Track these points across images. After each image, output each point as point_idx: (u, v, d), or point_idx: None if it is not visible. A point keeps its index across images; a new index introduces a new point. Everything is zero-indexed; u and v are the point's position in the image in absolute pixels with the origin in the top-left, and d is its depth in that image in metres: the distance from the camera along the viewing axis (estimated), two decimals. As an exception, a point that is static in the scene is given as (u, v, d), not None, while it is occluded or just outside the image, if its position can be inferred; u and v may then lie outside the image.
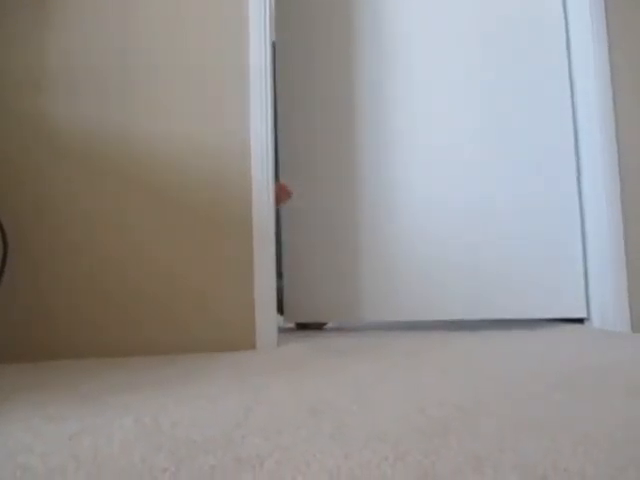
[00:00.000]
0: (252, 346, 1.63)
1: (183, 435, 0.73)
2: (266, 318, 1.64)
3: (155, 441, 0.70)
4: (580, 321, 1.99)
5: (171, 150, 1.67)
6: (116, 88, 1.67)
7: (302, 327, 2.15)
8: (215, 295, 1.65)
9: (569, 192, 1.97)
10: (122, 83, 1.67)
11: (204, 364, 1.37)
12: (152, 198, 1.66)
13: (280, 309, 2.02)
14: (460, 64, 2.02)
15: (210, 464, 0.60)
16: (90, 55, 1.66)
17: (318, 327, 2.13)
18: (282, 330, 2.06)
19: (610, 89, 1.88)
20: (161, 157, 1.67)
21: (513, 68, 2.01)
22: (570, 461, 0.57)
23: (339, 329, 2.12)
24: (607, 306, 1.85)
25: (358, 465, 0.58)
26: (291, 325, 2.23)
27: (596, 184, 1.89)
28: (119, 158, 1.65)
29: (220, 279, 1.65)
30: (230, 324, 1.64)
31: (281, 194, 1.97)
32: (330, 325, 2.25)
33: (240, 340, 1.64)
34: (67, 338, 1.58)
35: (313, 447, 0.65)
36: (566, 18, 2.01)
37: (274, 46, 2.17)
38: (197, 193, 1.68)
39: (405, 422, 0.75)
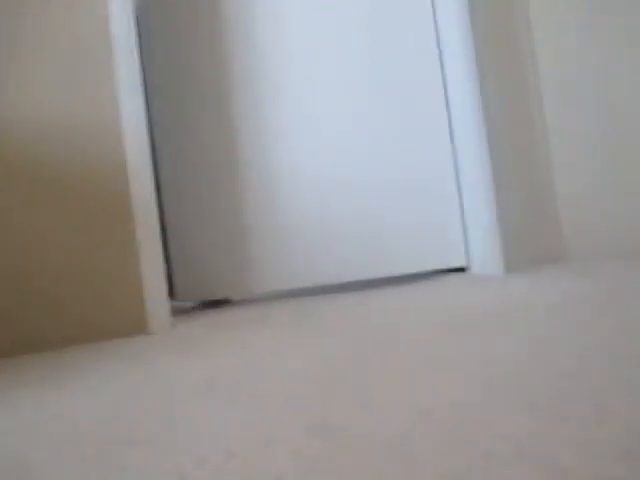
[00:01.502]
0: (145, 330, 1.58)
1: (64, 428, 0.68)
2: (156, 300, 1.58)
3: (32, 435, 0.66)
4: (462, 270, 2.13)
5: (40, 123, 1.54)
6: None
7: (209, 305, 2.10)
8: (99, 280, 1.56)
9: (440, 129, 2.07)
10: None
11: (94, 355, 1.30)
12: (18, 177, 1.52)
13: (170, 291, 1.96)
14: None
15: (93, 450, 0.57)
16: None
17: (224, 303, 2.10)
18: (178, 310, 2.00)
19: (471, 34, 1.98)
20: (30, 129, 1.53)
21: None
22: (455, 394, 0.61)
23: (240, 303, 2.10)
24: (484, 252, 1.99)
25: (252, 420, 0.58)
26: (189, 304, 2.18)
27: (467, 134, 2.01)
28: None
29: (103, 262, 1.57)
30: (119, 309, 1.57)
31: None
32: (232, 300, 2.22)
33: (131, 325, 1.57)
34: None
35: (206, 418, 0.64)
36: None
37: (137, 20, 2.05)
38: (68, 169, 1.56)
39: (295, 381, 0.76)
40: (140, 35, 2.13)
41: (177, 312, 2.08)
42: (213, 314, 1.84)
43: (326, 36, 2.03)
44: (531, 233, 2.09)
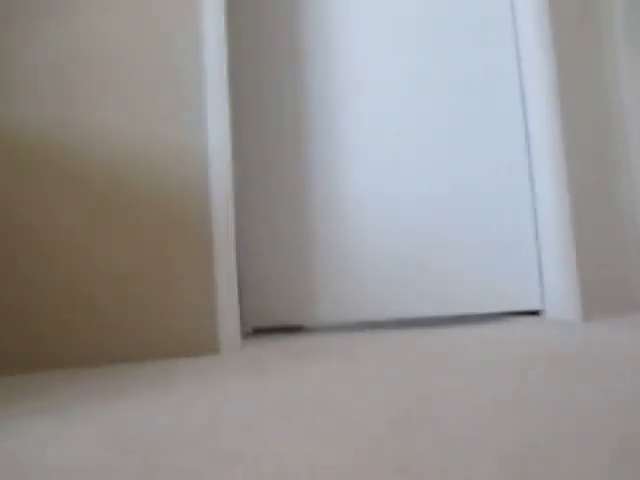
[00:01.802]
0: (216, 350, 1.62)
1: (153, 439, 0.71)
2: (229, 321, 1.63)
3: (124, 446, 0.69)
4: (536, 313, 2.06)
5: (122, 145, 1.64)
6: (56, 86, 1.62)
7: (277, 331, 2.13)
8: (176, 299, 1.62)
9: (521, 182, 2.04)
10: (63, 81, 1.63)
11: (169, 370, 1.35)
12: (104, 198, 1.62)
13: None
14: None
15: (186, 463, 0.59)
16: (27, 54, 1.62)
17: (292, 330, 2.12)
18: (243, 334, 2.04)
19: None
20: (116, 155, 1.63)
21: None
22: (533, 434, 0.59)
23: (308, 331, 2.12)
24: (561, 297, 1.92)
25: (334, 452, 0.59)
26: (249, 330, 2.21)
27: (545, 174, 1.96)
28: (57, 154, 1.60)
29: (181, 281, 1.63)
30: (193, 328, 1.62)
31: None
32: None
33: (203, 344, 1.61)
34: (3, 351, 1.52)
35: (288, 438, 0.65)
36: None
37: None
38: (152, 192, 1.65)
39: (369, 412, 0.76)
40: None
41: (245, 336, 2.12)
42: (281, 339, 1.87)
43: (405, 70, 2.06)
44: (612, 280, 2.00)
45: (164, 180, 1.66)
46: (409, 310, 1.95)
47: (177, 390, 1.05)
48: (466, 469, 0.52)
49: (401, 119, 2.05)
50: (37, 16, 1.63)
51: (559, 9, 2.03)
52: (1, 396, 1.12)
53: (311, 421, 0.74)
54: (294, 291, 1.98)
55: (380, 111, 2.05)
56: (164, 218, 1.65)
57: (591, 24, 2.10)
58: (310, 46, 2.10)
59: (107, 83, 1.65)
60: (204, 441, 0.68)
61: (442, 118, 2.05)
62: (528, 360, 1.13)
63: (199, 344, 1.61)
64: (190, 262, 1.64)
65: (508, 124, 2.06)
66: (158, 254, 1.63)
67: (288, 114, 2.08)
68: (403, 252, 1.98)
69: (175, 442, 0.68)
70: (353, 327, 2.06)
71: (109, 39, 1.67)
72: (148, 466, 0.59)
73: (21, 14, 1.62)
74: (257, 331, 2.13)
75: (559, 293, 1.92)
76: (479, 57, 2.08)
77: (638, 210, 2.05)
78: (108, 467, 0.60)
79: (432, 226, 2.00)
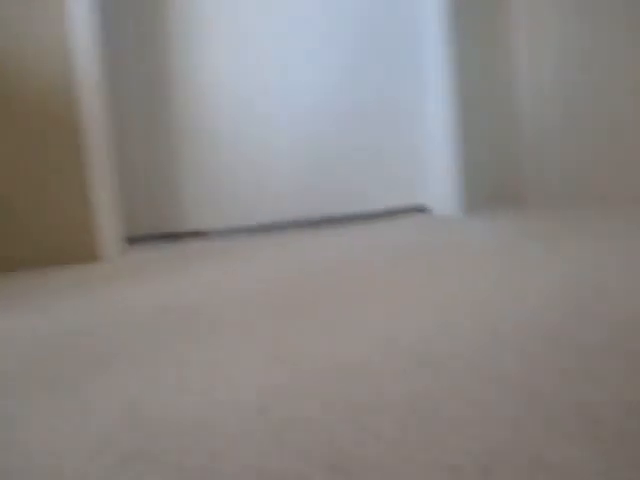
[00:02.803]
0: (96, 258, 1.52)
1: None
2: (108, 225, 1.52)
3: None
4: (422, 210, 2.13)
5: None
6: None
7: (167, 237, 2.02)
8: (51, 205, 1.48)
9: (410, 88, 2.02)
10: None
11: (43, 278, 1.25)
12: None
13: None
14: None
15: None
16: None
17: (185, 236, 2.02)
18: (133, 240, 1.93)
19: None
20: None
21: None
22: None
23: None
24: (444, 195, 1.99)
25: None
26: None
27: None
28: None
29: (52, 184, 1.48)
30: (70, 236, 1.50)
31: None
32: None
33: (82, 252, 1.51)
34: None
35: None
36: None
37: None
38: (16, 85, 1.44)
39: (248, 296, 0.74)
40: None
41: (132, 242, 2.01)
42: (169, 246, 1.79)
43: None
44: (492, 177, 2.09)
45: (27, 81, 1.45)
46: (308, 210, 1.92)
47: (49, 298, 0.97)
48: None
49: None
50: None
51: None
52: None
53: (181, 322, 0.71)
54: (188, 194, 1.87)
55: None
56: (34, 117, 1.46)
57: None
58: None
59: None
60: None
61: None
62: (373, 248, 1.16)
63: (78, 252, 1.51)
64: (63, 164, 1.49)
65: (403, 42, 2.00)
66: (29, 159, 1.46)
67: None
68: (305, 158, 1.93)
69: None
70: (255, 230, 2.00)
71: None
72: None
73: None
74: (151, 238, 2.01)
75: (442, 191, 1.99)
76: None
77: (521, 112, 2.13)
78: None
79: (329, 132, 1.95)
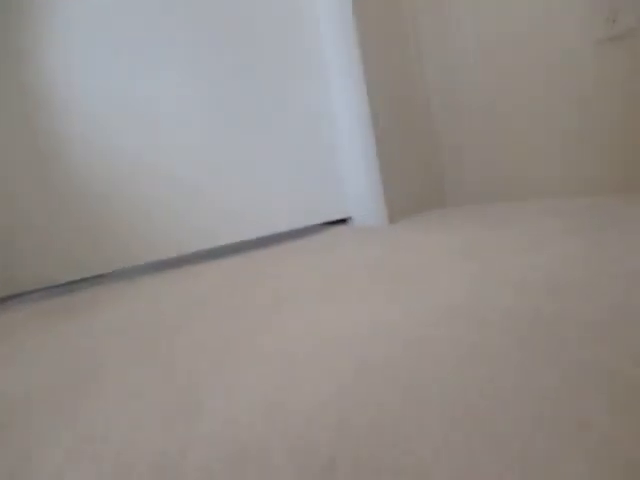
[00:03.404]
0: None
1: None
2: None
3: None
4: (344, 222, 1.98)
5: None
6: None
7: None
8: None
9: (322, 98, 1.86)
10: None
11: None
12: None
13: None
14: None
15: None
16: None
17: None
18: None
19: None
20: None
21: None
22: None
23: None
24: (365, 203, 1.84)
25: None
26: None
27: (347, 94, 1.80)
28: None
29: None
30: None
31: None
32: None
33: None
34: None
35: None
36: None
37: None
38: None
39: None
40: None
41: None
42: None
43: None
44: (416, 182, 1.96)
45: None
46: (213, 241, 1.73)
47: None
48: None
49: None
50: None
51: None
52: None
53: None
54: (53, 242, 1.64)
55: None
56: None
57: None
58: None
59: None
60: None
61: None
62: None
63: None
64: None
65: (307, 47, 1.84)
66: None
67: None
68: (189, 180, 1.73)
69: None
70: (143, 271, 1.79)
71: None
72: None
73: None
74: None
75: (363, 200, 1.84)
76: None
77: (435, 116, 2.01)
78: None
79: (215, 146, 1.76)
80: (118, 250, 1.62)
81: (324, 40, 1.86)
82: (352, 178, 1.87)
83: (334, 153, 1.88)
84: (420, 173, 1.99)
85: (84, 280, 1.84)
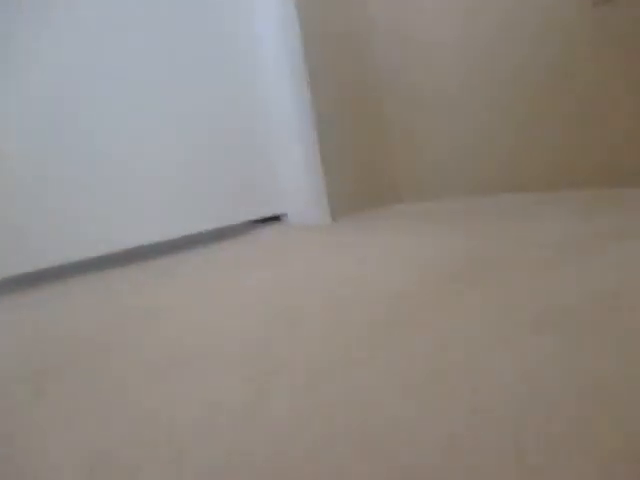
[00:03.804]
0: None
1: None
2: None
3: None
4: (277, 219, 1.73)
5: None
6: None
7: None
8: None
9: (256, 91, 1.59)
10: None
11: None
12: None
13: None
14: None
15: None
16: None
17: None
18: None
19: None
20: None
21: None
22: None
23: None
24: (303, 197, 1.60)
25: None
26: None
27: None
28: None
29: None
30: None
31: None
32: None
33: None
34: None
35: None
36: None
37: None
38: None
39: None
40: None
41: None
42: None
43: None
44: (364, 175, 1.74)
45: None
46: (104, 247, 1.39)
47: None
48: None
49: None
50: None
51: None
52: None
53: None
54: None
55: None
56: None
57: None
58: None
59: None
60: None
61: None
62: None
63: None
64: None
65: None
66: None
67: None
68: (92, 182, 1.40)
69: None
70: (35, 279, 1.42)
71: None
72: None
73: None
74: None
75: (300, 195, 1.60)
76: None
77: (387, 102, 1.79)
78: None
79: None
80: None
81: (260, 22, 1.59)
82: (288, 168, 1.62)
83: (267, 140, 1.62)
84: (371, 165, 1.77)
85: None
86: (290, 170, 1.61)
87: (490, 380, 0.39)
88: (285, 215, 1.68)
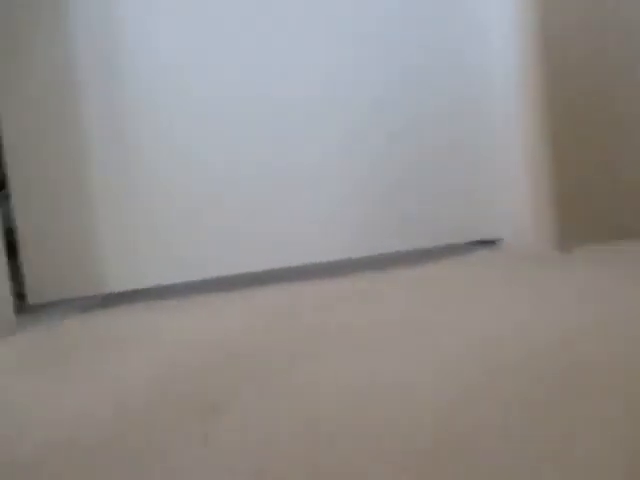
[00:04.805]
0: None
1: None
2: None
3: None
4: (492, 243, 1.46)
5: None
6: None
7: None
8: None
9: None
10: None
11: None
12: None
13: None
14: None
15: None
16: None
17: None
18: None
19: None
20: None
21: None
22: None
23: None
24: (524, 222, 1.33)
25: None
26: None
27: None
28: None
29: None
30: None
31: None
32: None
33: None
34: None
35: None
36: None
37: None
38: None
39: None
40: None
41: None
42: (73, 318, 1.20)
43: None
44: (603, 201, 1.37)
45: None
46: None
47: None
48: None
49: None
50: None
51: None
52: None
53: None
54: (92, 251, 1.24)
55: None
56: None
57: None
58: None
59: None
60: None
61: None
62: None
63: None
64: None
65: None
66: None
67: None
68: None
69: None
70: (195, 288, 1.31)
71: None
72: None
73: None
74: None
75: (518, 218, 1.33)
76: None
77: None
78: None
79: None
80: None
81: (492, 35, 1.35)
82: (507, 180, 1.36)
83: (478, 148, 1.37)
84: (628, 184, 1.38)
85: None
86: (511, 181, 1.35)
87: None
88: (500, 240, 1.42)
